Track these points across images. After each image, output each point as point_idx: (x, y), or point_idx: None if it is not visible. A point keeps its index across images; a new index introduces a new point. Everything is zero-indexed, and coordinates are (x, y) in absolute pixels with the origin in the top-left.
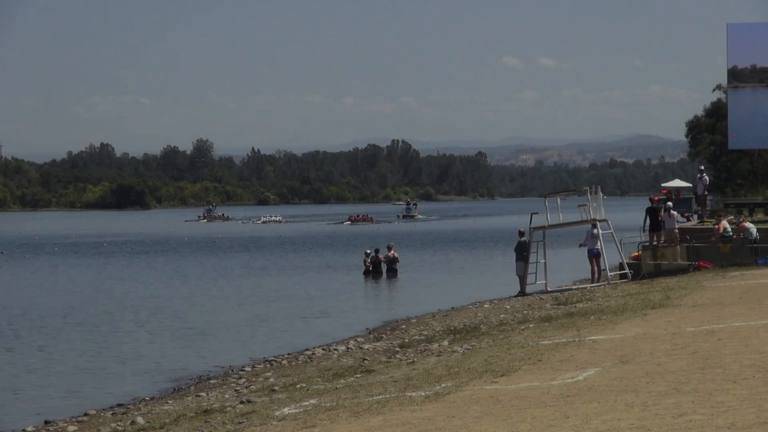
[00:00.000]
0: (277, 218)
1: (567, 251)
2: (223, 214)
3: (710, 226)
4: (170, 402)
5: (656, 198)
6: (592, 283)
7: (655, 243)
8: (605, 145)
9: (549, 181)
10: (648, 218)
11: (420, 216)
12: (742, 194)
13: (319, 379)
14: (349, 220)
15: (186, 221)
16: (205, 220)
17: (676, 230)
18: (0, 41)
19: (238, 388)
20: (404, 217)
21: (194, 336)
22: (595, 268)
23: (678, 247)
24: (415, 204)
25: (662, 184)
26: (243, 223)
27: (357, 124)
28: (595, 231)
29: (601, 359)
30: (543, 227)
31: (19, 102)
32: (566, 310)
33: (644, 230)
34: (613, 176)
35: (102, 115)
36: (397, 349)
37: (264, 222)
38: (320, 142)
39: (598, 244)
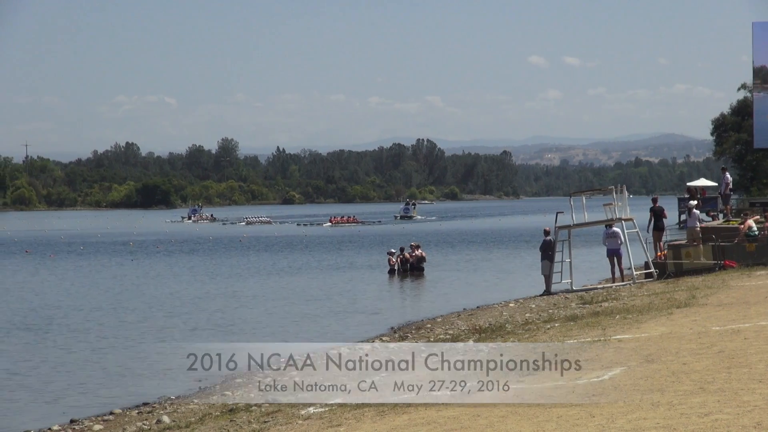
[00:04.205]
0: (265, 218)
1: (592, 250)
2: (211, 215)
3: (736, 225)
4: (196, 401)
5: (656, 198)
6: (613, 283)
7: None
8: (630, 144)
9: (574, 180)
10: (651, 219)
11: (418, 216)
12: None
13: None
14: (330, 221)
15: (172, 221)
16: (191, 221)
17: (698, 228)
18: (25, 41)
19: (263, 387)
20: (402, 217)
21: (219, 334)
22: (615, 268)
23: (701, 246)
24: (413, 204)
25: (687, 184)
26: (224, 224)
27: (382, 123)
28: (612, 230)
29: (626, 358)
30: (568, 226)
31: (44, 101)
32: (592, 309)
33: (647, 231)
34: (639, 175)
35: (127, 114)
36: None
37: (248, 223)
38: (345, 141)
39: (617, 243)
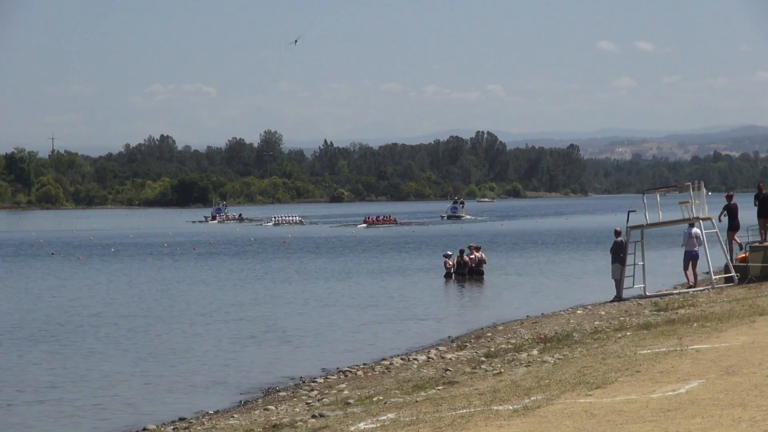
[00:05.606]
0: (296, 218)
1: (667, 252)
2: (240, 215)
3: None
4: (236, 416)
5: (731, 195)
6: (688, 288)
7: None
8: (708, 137)
9: (647, 175)
10: (727, 217)
11: (467, 216)
12: None
13: (397, 392)
14: (364, 222)
15: (192, 222)
16: (216, 221)
17: None
18: (53, 26)
19: (309, 401)
20: (449, 217)
21: (263, 344)
22: (690, 272)
23: None
24: (461, 203)
25: None
26: (245, 223)
27: (439, 115)
28: (693, 231)
29: (704, 370)
30: (641, 226)
31: (72, 91)
32: (667, 316)
33: (719, 220)
34: (718, 170)
35: (162, 104)
36: (482, 358)
37: (276, 224)
38: (398, 133)
39: (696, 244)
